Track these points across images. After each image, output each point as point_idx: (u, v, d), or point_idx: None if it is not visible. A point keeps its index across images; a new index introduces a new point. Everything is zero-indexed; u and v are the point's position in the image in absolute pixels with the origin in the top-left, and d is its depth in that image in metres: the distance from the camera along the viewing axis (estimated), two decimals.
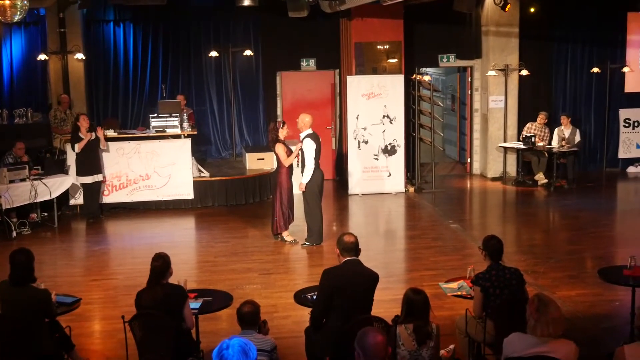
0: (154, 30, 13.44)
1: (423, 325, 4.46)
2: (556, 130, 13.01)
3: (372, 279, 5.03)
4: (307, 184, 8.94)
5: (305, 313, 5.48)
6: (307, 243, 9.12)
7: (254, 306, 4.62)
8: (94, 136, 10.63)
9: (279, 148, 8.90)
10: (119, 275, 8.08)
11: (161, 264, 5.05)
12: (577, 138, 12.92)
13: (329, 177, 12.78)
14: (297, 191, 9.20)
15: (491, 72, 13.31)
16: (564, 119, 12.96)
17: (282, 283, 7.72)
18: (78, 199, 11.03)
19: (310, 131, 8.93)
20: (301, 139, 8.94)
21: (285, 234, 9.19)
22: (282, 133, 8.97)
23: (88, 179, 10.69)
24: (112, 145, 11.10)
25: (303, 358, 5.32)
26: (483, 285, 5.15)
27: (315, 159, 8.87)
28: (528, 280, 5.35)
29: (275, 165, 9.24)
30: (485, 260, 5.32)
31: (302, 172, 8.94)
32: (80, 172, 10.64)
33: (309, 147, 8.84)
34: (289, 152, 8.99)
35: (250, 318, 4.57)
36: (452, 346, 5.58)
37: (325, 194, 9.54)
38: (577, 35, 13.84)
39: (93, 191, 10.82)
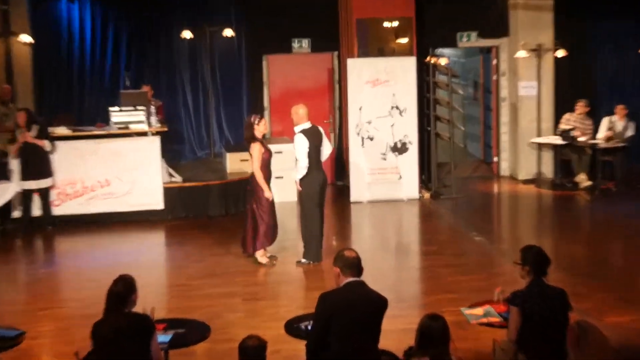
0: (115, 8, 13.43)
1: (441, 358, 4.41)
2: (604, 120, 12.90)
3: (379, 304, 5.00)
4: (303, 184, 8.96)
5: (298, 347, 5.43)
6: (303, 260, 9.09)
7: (259, 341, 4.64)
8: (33, 134, 10.59)
9: (254, 148, 8.84)
10: (73, 303, 8.02)
11: (122, 288, 5.01)
12: (630, 132, 12.86)
13: (328, 182, 12.74)
14: (277, 200, 9.24)
15: (521, 53, 13.30)
16: (619, 110, 12.84)
17: (271, 310, 7.67)
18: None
19: (307, 125, 8.94)
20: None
21: (259, 254, 9.13)
22: (259, 130, 8.89)
23: (32, 184, 10.67)
24: (65, 145, 11.07)
25: None
26: (522, 306, 5.08)
27: (310, 156, 8.86)
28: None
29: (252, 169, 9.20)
30: (526, 278, 5.25)
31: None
32: (22, 177, 10.64)
33: (299, 144, 8.86)
34: (267, 154, 8.92)
35: (254, 354, 4.57)
36: None
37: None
38: (623, 8, 13.81)
39: (41, 199, 10.79)
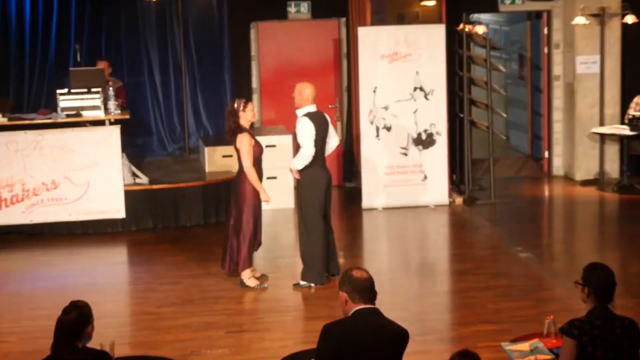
0: None
1: None
2: None
3: (397, 337, 5.01)
4: (303, 182, 9.02)
5: None
6: (302, 283, 9.13)
7: None
8: None
9: (242, 141, 8.86)
10: (11, 337, 8.02)
11: (75, 318, 5.03)
12: None
13: (333, 183, 12.74)
14: (266, 207, 9.28)
15: (579, 20, 13.30)
16: None
17: (262, 346, 7.69)
18: None
19: (312, 108, 9.04)
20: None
21: (246, 276, 9.15)
22: (245, 117, 8.93)
23: None
24: (0, 137, 11.07)
25: None
26: (580, 338, 5.10)
27: (316, 145, 8.96)
28: None
29: (237, 168, 9.21)
30: (587, 303, 5.28)
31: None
32: None
33: (304, 129, 8.92)
34: (258, 148, 8.96)
35: None
36: None
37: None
38: None
39: None
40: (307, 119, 8.96)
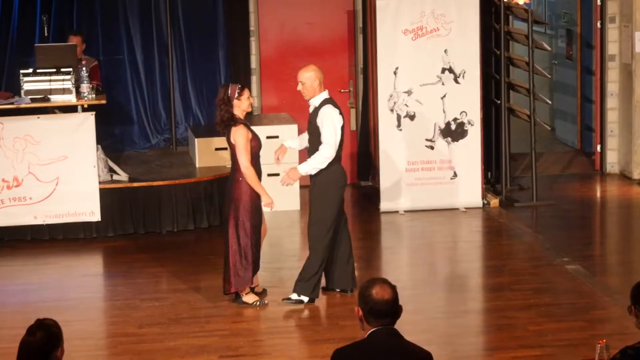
0: None
1: None
2: None
3: None
4: (322, 185, 9.02)
5: None
6: (292, 297, 9.13)
7: None
8: None
9: (238, 134, 8.85)
10: None
11: (42, 339, 5.04)
12: None
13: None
14: (267, 208, 9.25)
15: None
16: None
17: None
18: None
19: (327, 94, 9.06)
20: (312, 110, 9.05)
21: (244, 293, 9.14)
22: (241, 107, 8.91)
23: None
24: None
25: None
26: None
27: (340, 141, 8.97)
28: None
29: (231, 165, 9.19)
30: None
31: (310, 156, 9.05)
32: None
33: (332, 122, 8.89)
34: (256, 143, 8.94)
35: None
36: None
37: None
38: None
39: None
40: (332, 107, 8.95)
